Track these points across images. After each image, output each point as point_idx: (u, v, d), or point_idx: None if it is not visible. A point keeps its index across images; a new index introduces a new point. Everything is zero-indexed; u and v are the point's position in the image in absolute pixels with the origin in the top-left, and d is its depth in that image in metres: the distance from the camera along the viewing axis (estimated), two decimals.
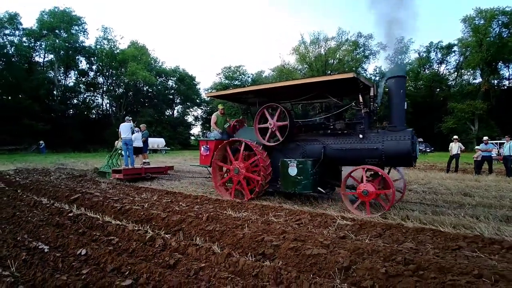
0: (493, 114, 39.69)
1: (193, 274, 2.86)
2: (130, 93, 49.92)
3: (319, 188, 6.47)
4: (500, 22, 36.73)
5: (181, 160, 21.79)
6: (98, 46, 46.35)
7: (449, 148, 13.46)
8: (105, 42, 47.07)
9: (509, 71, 45.77)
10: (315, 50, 46.01)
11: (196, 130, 73.48)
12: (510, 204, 6.71)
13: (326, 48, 45.94)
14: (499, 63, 42.73)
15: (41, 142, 30.89)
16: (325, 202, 6.85)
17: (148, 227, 4.61)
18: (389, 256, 3.42)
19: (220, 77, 57.12)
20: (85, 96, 49.73)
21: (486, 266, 3.23)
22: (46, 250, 3.61)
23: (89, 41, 51.63)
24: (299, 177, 6.37)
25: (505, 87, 46.61)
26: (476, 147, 13.17)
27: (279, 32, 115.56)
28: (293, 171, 6.43)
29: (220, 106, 8.71)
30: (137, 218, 5.13)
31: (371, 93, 6.26)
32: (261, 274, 2.88)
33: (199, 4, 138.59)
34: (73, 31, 44.14)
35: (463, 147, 13.30)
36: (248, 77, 56.15)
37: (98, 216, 5.18)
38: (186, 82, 58.91)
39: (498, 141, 23.26)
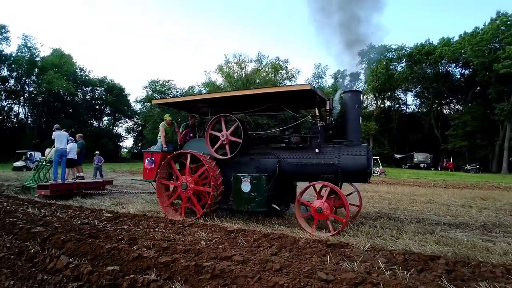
0: (392, 134, 47.35)
1: None
2: (51, 102, 48.11)
3: (273, 205, 6.21)
4: (387, 57, 44.35)
5: None
6: (19, 54, 44.72)
7: None
8: (26, 49, 45.46)
9: (406, 98, 54.91)
10: (239, 71, 49.82)
11: (128, 142, 71.69)
12: None
13: (248, 70, 50.06)
14: (398, 91, 51.10)
15: None
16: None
17: None
18: (96, 233, 5.57)
19: (146, 91, 57.53)
20: (3, 104, 47.03)
21: (141, 234, 5.58)
22: None
23: (11, 48, 49.34)
24: (252, 194, 6.03)
25: (404, 112, 55.58)
26: None
27: (205, 49, 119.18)
28: (246, 187, 6.08)
29: (167, 117, 7.72)
30: None
31: (327, 107, 6.20)
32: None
33: (132, 17, 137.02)
34: None
35: None
36: (177, 91, 57.47)
37: None
38: (114, 93, 58.19)
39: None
